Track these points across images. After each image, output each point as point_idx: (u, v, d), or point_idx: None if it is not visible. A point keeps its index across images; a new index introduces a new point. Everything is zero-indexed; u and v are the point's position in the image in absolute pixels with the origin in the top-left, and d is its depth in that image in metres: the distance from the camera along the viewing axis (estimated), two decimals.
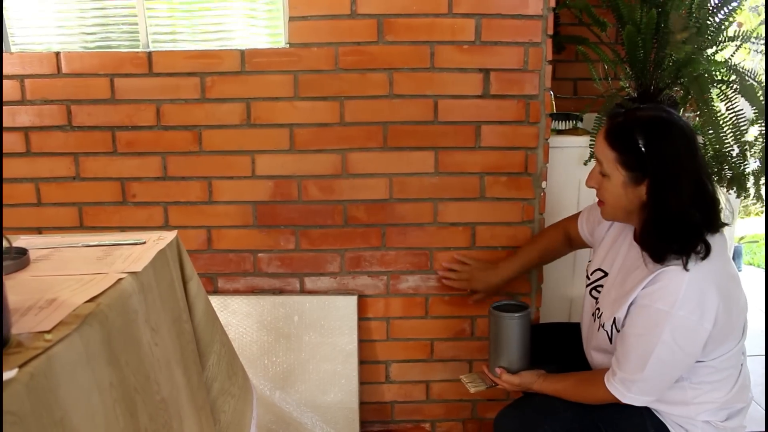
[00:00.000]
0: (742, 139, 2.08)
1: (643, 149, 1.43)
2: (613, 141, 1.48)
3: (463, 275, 2.12)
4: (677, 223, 1.41)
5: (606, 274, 1.67)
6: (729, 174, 2.07)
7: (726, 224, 1.49)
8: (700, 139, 2.10)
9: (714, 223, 1.44)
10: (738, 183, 2.06)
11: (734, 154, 2.06)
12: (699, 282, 1.38)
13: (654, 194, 1.44)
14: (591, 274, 1.73)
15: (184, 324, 1.28)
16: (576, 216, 1.92)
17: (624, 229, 1.66)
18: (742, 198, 2.12)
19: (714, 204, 1.45)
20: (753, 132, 2.15)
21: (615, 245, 1.67)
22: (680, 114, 2.35)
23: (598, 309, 1.63)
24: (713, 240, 1.43)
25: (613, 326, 1.54)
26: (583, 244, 1.91)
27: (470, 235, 2.16)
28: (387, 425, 2.36)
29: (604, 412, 1.52)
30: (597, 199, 1.61)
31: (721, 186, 2.10)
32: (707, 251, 1.39)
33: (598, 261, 1.73)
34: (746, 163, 2.08)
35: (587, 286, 1.74)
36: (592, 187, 1.59)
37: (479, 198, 2.12)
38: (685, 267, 1.38)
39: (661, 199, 1.43)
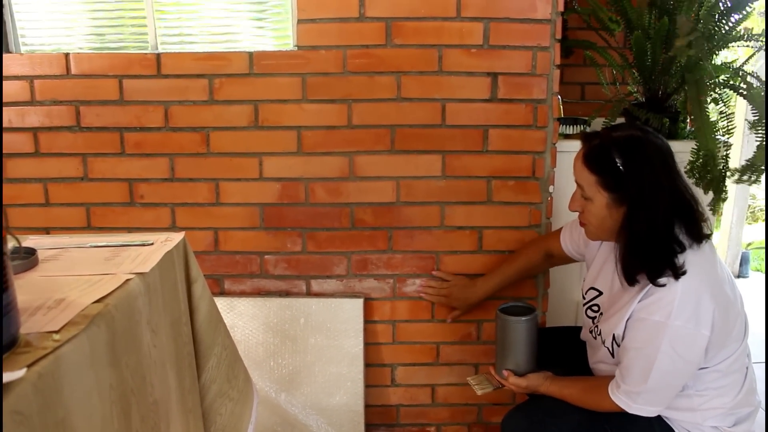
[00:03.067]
0: (728, 143, 2.10)
1: (621, 169, 1.43)
2: (592, 164, 1.48)
3: (441, 291, 2.14)
4: (654, 243, 1.41)
5: (600, 293, 1.68)
6: (709, 177, 2.08)
7: (710, 235, 1.49)
8: (692, 144, 2.10)
9: (697, 234, 1.46)
10: (716, 185, 2.07)
11: (718, 157, 2.07)
12: (692, 290, 1.39)
13: (634, 213, 1.45)
14: (586, 293, 1.74)
15: (183, 326, 1.28)
16: (557, 233, 1.94)
17: (614, 247, 1.66)
18: (717, 201, 2.12)
19: (696, 216, 1.46)
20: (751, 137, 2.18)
21: (607, 264, 1.67)
22: (688, 119, 2.35)
23: (597, 327, 1.63)
24: (700, 248, 1.45)
25: (613, 342, 1.54)
26: (567, 260, 1.93)
27: (477, 239, 2.15)
28: (392, 428, 2.35)
29: (612, 416, 1.52)
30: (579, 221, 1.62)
31: (703, 190, 2.11)
32: (676, 273, 1.40)
33: (591, 280, 1.73)
34: (727, 166, 2.09)
35: (584, 305, 1.74)
36: (576, 211, 1.59)
37: (486, 202, 2.12)
38: (654, 284, 1.41)
39: (640, 217, 1.43)
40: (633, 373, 1.45)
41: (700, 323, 1.38)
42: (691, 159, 2.08)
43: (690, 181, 2.08)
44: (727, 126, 2.12)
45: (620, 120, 2.25)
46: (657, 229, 1.42)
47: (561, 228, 1.93)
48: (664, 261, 1.40)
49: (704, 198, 2.07)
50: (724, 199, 2.12)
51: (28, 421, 0.68)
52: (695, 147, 2.08)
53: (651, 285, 1.42)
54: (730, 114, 2.12)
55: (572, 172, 1.55)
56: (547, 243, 1.97)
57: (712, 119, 2.05)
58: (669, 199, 1.42)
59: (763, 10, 3.11)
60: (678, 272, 1.39)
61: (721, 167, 2.06)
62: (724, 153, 2.07)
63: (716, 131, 2.05)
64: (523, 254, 2.02)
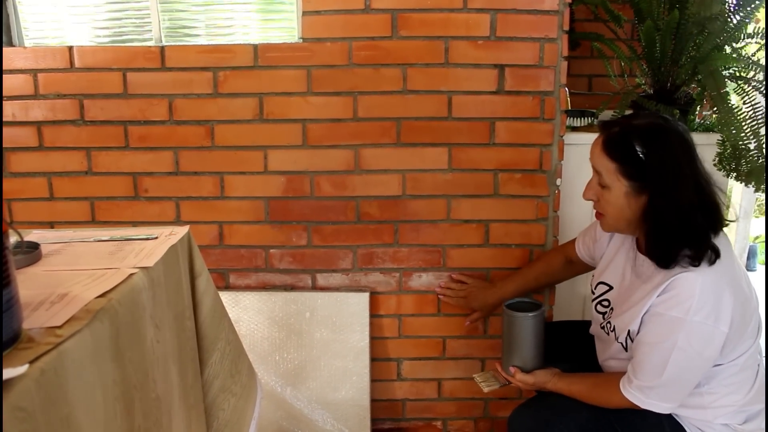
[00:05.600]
0: (760, 133, 2.05)
1: (642, 157, 1.41)
2: (612, 151, 1.46)
3: (460, 293, 2.13)
4: (684, 229, 1.39)
5: (610, 288, 1.66)
6: (746, 168, 2.04)
7: (728, 222, 1.48)
8: (717, 136, 2.07)
9: (718, 224, 1.44)
10: (756, 177, 2.03)
11: (751, 148, 2.03)
12: (712, 286, 1.36)
13: (657, 202, 1.42)
14: (595, 288, 1.72)
15: (186, 321, 1.27)
16: (574, 239, 1.92)
17: (624, 241, 1.64)
18: (761, 191, 2.09)
19: (716, 206, 1.44)
20: None
21: (617, 257, 1.65)
22: (697, 111, 2.32)
23: (609, 323, 1.61)
24: (718, 241, 1.43)
25: (628, 337, 1.52)
26: (587, 268, 1.90)
27: (483, 233, 2.14)
28: (398, 423, 2.34)
29: (621, 413, 1.51)
30: (594, 212, 1.58)
31: (739, 181, 2.08)
32: (716, 255, 1.38)
33: (600, 274, 1.71)
34: (763, 156, 2.05)
35: (592, 300, 1.72)
36: (590, 200, 1.56)
37: (493, 195, 2.11)
38: (695, 268, 1.38)
39: (664, 206, 1.41)
40: (647, 368, 1.43)
41: (719, 320, 1.35)
42: (719, 151, 2.05)
43: (721, 173, 2.06)
44: (754, 114, 2.06)
45: (629, 112, 2.23)
46: (683, 217, 1.40)
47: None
48: (704, 240, 1.39)
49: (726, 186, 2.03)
50: (765, 189, 2.06)
51: (31, 417, 0.67)
52: (720, 139, 2.04)
53: (670, 280, 1.40)
54: (756, 103, 2.06)
55: (589, 159, 1.52)
56: (567, 249, 1.94)
57: (735, 110, 2.01)
58: (692, 187, 1.40)
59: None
60: (717, 254, 1.38)
61: (757, 158, 2.01)
62: (758, 143, 2.02)
63: (741, 121, 2.01)
64: (544, 259, 2.01)
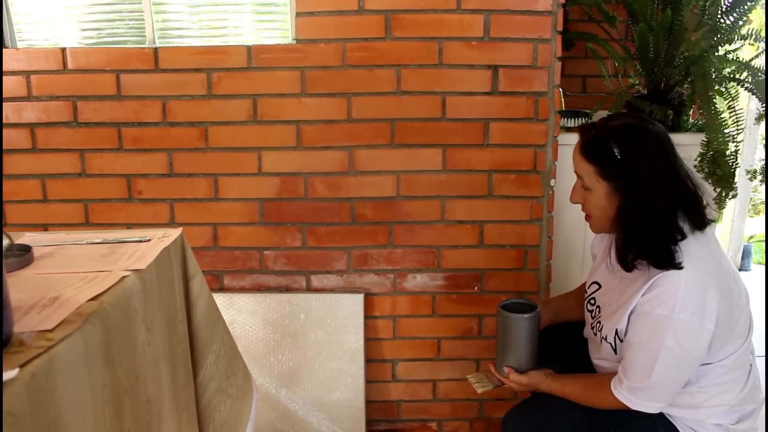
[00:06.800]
0: (737, 139, 2.07)
1: (619, 158, 1.42)
2: (590, 154, 1.48)
3: None
4: (647, 232, 1.40)
5: (600, 287, 1.66)
6: (719, 173, 2.05)
7: (712, 220, 1.48)
8: (696, 137, 2.07)
9: (699, 220, 1.44)
10: (725, 183, 2.05)
11: (727, 153, 2.04)
12: (697, 283, 1.37)
13: (628, 202, 1.43)
14: (588, 287, 1.72)
15: (179, 323, 1.27)
16: None
17: (610, 238, 1.64)
18: (725, 197, 2.09)
19: (697, 202, 1.44)
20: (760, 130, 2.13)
21: (606, 257, 1.65)
22: (691, 111, 2.33)
23: (599, 323, 1.61)
24: (702, 237, 1.43)
25: (616, 337, 1.52)
26: None
27: (478, 233, 2.14)
28: (393, 424, 2.34)
29: (614, 414, 1.51)
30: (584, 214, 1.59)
31: (711, 185, 2.08)
32: (676, 263, 1.38)
33: (592, 273, 1.72)
34: (737, 162, 2.06)
35: (584, 299, 1.73)
36: (577, 203, 1.57)
37: (487, 196, 2.11)
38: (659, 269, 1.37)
39: (634, 206, 1.42)
40: (636, 368, 1.43)
41: (704, 317, 1.36)
42: (702, 152, 2.06)
43: (699, 175, 2.06)
44: (736, 120, 2.08)
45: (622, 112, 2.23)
46: (654, 217, 1.40)
47: None
48: (664, 249, 1.39)
49: (710, 191, 2.03)
50: (734, 196, 2.08)
51: (19, 423, 0.66)
52: (705, 139, 2.05)
53: (654, 278, 1.40)
54: (738, 109, 2.08)
55: (572, 164, 1.53)
56: None
57: (720, 114, 2.02)
58: (669, 186, 1.41)
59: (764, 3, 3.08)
60: (677, 262, 1.38)
61: (731, 164, 2.03)
62: (734, 149, 2.04)
63: (725, 126, 2.02)
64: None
